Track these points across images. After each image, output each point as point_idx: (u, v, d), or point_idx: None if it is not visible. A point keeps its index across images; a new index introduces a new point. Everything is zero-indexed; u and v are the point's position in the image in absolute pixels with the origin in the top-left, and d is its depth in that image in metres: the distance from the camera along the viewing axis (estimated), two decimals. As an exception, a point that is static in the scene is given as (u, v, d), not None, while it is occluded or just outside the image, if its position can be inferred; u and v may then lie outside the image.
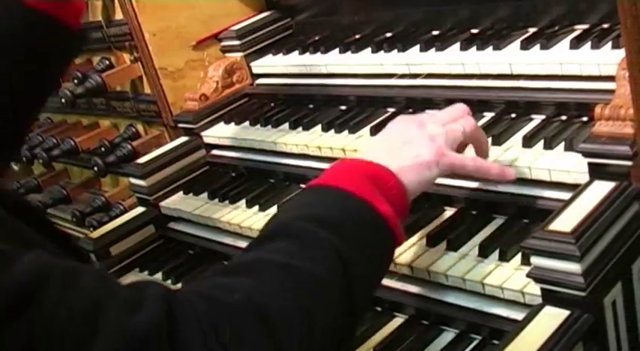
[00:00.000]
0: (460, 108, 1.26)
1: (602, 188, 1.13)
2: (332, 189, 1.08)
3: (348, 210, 1.05)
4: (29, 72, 1.17)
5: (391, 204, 1.07)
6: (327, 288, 0.95)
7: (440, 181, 1.39)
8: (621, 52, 1.31)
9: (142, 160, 1.96)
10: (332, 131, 1.68)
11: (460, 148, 1.23)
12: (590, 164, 1.17)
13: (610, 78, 1.29)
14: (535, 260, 1.07)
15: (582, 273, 1.03)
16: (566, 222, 1.07)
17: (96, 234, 1.90)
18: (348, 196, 1.05)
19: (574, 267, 1.03)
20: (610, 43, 1.37)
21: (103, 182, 2.70)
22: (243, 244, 1.64)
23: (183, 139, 2.00)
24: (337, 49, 1.88)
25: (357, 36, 1.95)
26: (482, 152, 1.27)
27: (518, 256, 1.22)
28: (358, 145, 1.57)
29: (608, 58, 1.33)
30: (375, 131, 1.59)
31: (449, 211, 1.41)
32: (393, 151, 1.15)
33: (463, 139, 1.21)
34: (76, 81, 2.22)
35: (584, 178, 1.19)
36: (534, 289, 1.10)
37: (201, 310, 0.84)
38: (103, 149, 2.31)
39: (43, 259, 0.78)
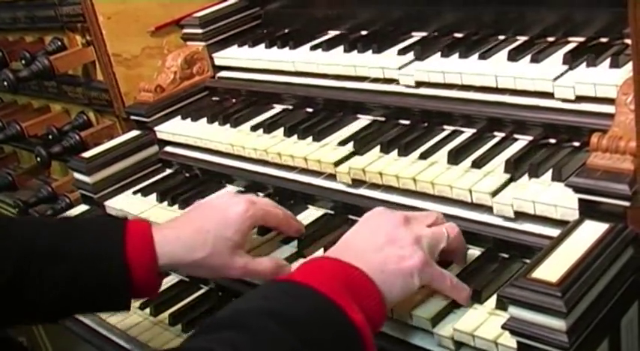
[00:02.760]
0: (437, 214, 1.14)
1: (594, 230, 1.00)
2: (302, 286, 0.95)
3: (316, 312, 0.92)
4: None
5: (365, 313, 0.94)
6: None
7: (408, 203, 1.28)
8: (620, 72, 1.19)
9: (87, 153, 1.79)
10: (295, 136, 1.53)
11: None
12: (581, 200, 1.03)
13: (606, 100, 1.17)
14: (513, 311, 0.93)
15: (567, 330, 0.90)
16: (551, 269, 0.94)
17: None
18: (318, 296, 0.93)
19: (558, 323, 0.90)
20: (608, 61, 1.24)
21: (52, 169, 2.53)
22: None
23: (134, 133, 1.84)
24: (307, 46, 1.73)
25: (330, 32, 1.80)
26: (460, 260, 1.16)
27: (494, 298, 1.07)
28: (322, 154, 1.42)
29: (605, 78, 1.19)
30: (342, 141, 1.44)
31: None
32: (375, 249, 1.03)
33: (446, 247, 1.10)
34: (23, 61, 2.05)
35: (573, 214, 1.05)
36: (510, 341, 0.96)
37: None
38: (50, 137, 2.14)
39: None
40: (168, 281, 1.54)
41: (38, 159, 2.10)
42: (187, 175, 1.76)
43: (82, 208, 1.82)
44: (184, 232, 1.20)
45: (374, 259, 1.01)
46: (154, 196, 1.69)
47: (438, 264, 1.08)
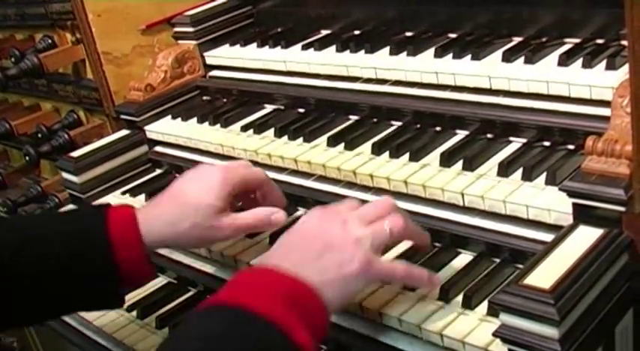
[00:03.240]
0: (386, 203, 1.09)
1: (588, 235, 0.97)
2: (239, 311, 0.90)
3: (256, 341, 0.88)
4: None
5: (310, 329, 0.90)
6: None
7: (399, 205, 1.25)
8: (616, 74, 1.17)
9: (76, 153, 1.76)
10: (285, 137, 1.51)
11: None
12: (575, 205, 1.01)
13: (602, 103, 1.15)
14: (505, 318, 0.91)
15: (559, 338, 0.87)
16: (544, 276, 0.91)
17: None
18: (257, 320, 0.89)
19: (551, 331, 0.87)
20: (604, 63, 1.21)
21: (42, 168, 2.50)
22: (178, 256, 1.47)
23: (124, 132, 1.81)
24: (299, 45, 1.70)
25: (323, 32, 1.77)
26: (422, 247, 1.13)
27: (485, 304, 1.05)
28: (312, 156, 1.40)
29: (601, 80, 1.17)
30: (333, 142, 1.41)
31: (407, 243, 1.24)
32: (313, 256, 0.99)
33: (390, 240, 1.06)
34: (13, 59, 2.02)
35: (567, 219, 1.03)
36: (501, 348, 0.94)
37: None
38: (39, 136, 2.11)
39: None
40: (156, 283, 1.52)
41: (27, 158, 2.08)
42: (177, 175, 1.73)
43: (71, 208, 1.79)
44: (165, 207, 1.20)
45: (313, 267, 0.97)
46: (142, 196, 1.67)
47: None
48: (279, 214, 1.23)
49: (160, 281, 1.52)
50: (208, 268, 1.42)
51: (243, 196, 1.29)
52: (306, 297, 0.94)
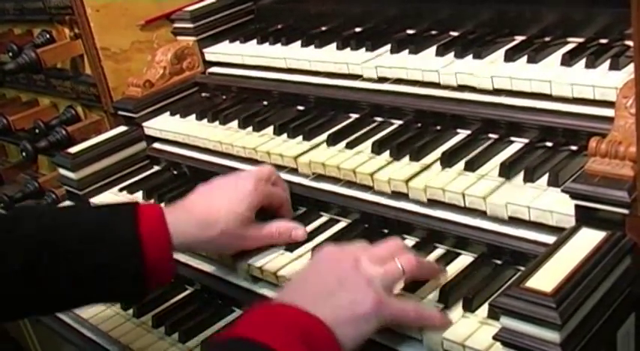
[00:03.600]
0: (397, 243, 1.10)
1: (590, 238, 0.96)
2: (253, 345, 0.90)
3: None
4: None
5: None
6: None
7: (400, 206, 1.24)
8: (620, 75, 1.16)
9: (73, 149, 1.75)
10: (285, 135, 1.49)
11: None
12: (578, 207, 0.99)
13: (605, 103, 1.13)
14: (505, 321, 0.90)
15: (561, 343, 0.86)
16: (546, 279, 0.90)
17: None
18: None
19: (552, 335, 0.86)
20: (607, 63, 1.20)
21: (40, 164, 2.49)
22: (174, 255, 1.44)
23: (122, 128, 1.80)
24: (299, 42, 1.69)
25: (323, 28, 1.76)
26: (437, 278, 1.11)
27: (486, 307, 1.03)
28: (312, 154, 1.39)
29: (604, 80, 1.16)
30: (333, 141, 1.40)
31: (408, 241, 1.23)
32: (327, 295, 0.98)
33: (402, 279, 1.05)
34: (10, 54, 2.00)
35: (570, 221, 1.02)
36: (502, 352, 0.92)
37: None
38: (36, 131, 2.09)
39: None
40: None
41: (23, 154, 2.06)
42: (175, 172, 1.72)
43: (68, 204, 1.78)
44: (196, 211, 1.24)
45: (327, 305, 0.97)
46: (140, 193, 1.65)
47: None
48: (299, 231, 1.30)
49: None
50: (205, 267, 1.40)
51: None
52: (321, 336, 0.94)
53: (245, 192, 1.26)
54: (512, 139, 1.26)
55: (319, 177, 1.37)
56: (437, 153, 1.27)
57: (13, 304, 1.16)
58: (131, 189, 1.69)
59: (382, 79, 1.46)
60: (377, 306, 0.98)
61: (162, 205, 1.55)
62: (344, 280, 1.00)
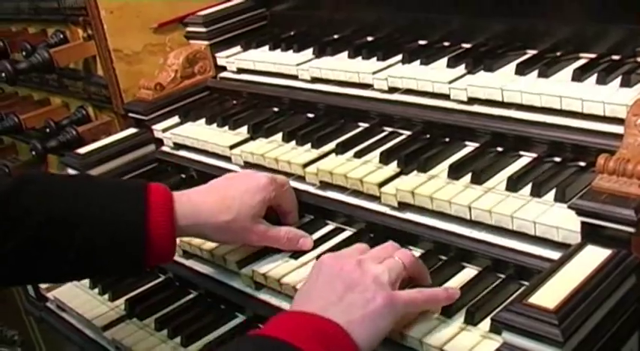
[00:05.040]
0: (392, 245, 1.13)
1: (596, 255, 0.95)
2: (282, 344, 0.92)
3: None
4: None
5: None
6: None
7: (405, 217, 1.24)
8: (631, 92, 1.16)
9: (83, 149, 1.75)
10: (293, 142, 1.49)
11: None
12: (584, 224, 0.99)
13: (615, 120, 1.13)
14: (507, 336, 0.89)
15: (563, 360, 0.85)
16: (549, 295, 0.89)
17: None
18: None
19: (554, 353, 0.85)
20: (619, 79, 1.20)
21: (50, 163, 2.50)
22: (179, 258, 1.45)
23: (131, 130, 1.80)
24: (311, 49, 1.69)
25: (336, 36, 1.76)
26: (425, 283, 1.12)
27: (488, 320, 1.03)
28: (319, 162, 1.39)
29: (615, 97, 1.15)
30: (341, 149, 1.40)
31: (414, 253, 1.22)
32: (337, 299, 1.00)
33: (405, 274, 1.07)
34: (24, 53, 2.01)
35: (576, 238, 1.01)
36: (503, 367, 0.92)
37: None
38: (47, 130, 2.10)
39: None
40: (156, 284, 1.51)
41: (33, 153, 2.07)
42: (183, 176, 1.72)
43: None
44: (210, 197, 1.26)
45: (338, 309, 0.98)
46: (147, 196, 1.65)
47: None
48: (307, 240, 1.30)
49: (161, 282, 1.51)
50: (209, 272, 1.40)
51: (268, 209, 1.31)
52: (337, 337, 0.95)
53: (260, 186, 1.27)
54: (521, 153, 1.26)
55: (326, 185, 1.37)
56: (444, 165, 1.27)
57: (14, 273, 1.19)
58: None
59: (392, 89, 1.45)
60: (388, 300, 0.99)
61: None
62: (351, 283, 1.01)
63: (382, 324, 0.99)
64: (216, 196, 1.26)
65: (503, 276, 1.12)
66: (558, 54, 1.36)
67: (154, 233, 1.17)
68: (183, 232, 1.25)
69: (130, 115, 1.83)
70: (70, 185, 1.25)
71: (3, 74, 1.92)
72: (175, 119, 1.78)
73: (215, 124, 1.68)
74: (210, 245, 1.38)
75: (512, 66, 1.35)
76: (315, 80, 1.61)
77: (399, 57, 1.51)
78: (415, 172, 1.27)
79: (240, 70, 1.82)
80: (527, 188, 1.14)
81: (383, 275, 1.02)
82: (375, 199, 1.28)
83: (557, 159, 1.20)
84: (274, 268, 1.27)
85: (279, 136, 1.53)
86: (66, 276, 1.33)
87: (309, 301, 1.02)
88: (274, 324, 0.97)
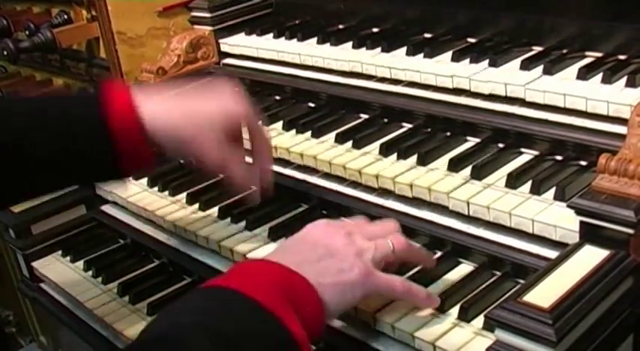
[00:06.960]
0: (391, 224, 1.11)
1: (593, 256, 0.94)
2: (236, 294, 0.90)
3: (252, 325, 0.87)
4: None
5: (304, 324, 0.89)
6: None
7: (403, 210, 1.23)
8: (636, 92, 1.15)
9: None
10: (293, 131, 1.48)
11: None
12: (583, 223, 0.98)
13: (619, 120, 1.12)
14: (500, 334, 0.88)
15: (555, 360, 0.84)
16: (544, 294, 0.88)
17: (18, 208, 1.68)
18: (254, 307, 0.88)
19: (547, 352, 0.84)
20: (624, 79, 1.18)
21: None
22: (174, 243, 1.45)
23: (132, 114, 1.79)
24: (315, 38, 1.67)
25: (341, 26, 1.74)
26: (426, 265, 1.12)
27: (482, 318, 1.02)
28: (319, 152, 1.37)
29: (620, 97, 1.14)
30: (341, 139, 1.39)
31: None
32: (314, 260, 0.99)
33: (392, 258, 1.05)
34: (27, 32, 2.00)
35: (574, 237, 1.00)
36: (495, 365, 0.91)
37: None
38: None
39: None
40: (150, 268, 1.50)
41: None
42: (181, 161, 1.71)
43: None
44: (186, 102, 1.17)
45: (312, 269, 0.97)
46: (144, 180, 1.64)
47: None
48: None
49: (155, 267, 1.51)
50: (205, 258, 1.39)
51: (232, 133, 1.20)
52: (304, 293, 0.94)
53: (237, 97, 1.18)
54: (522, 150, 1.25)
55: (325, 175, 1.36)
56: (444, 159, 1.25)
57: None
58: (137, 176, 1.68)
59: (395, 81, 1.44)
60: (364, 276, 0.99)
61: (167, 192, 1.56)
62: (333, 250, 1.00)
63: (350, 296, 0.98)
64: (191, 103, 1.17)
65: (499, 273, 1.11)
66: (564, 51, 1.34)
67: (117, 126, 1.08)
68: (157, 138, 1.12)
69: (131, 98, 1.81)
70: (27, 102, 1.21)
71: (5, 52, 1.91)
72: (176, 104, 1.77)
73: (216, 111, 1.67)
74: (205, 231, 1.37)
75: (517, 62, 1.33)
76: (317, 69, 1.60)
77: (404, 49, 1.49)
78: (415, 164, 1.26)
79: (243, 57, 1.80)
80: (527, 186, 1.13)
81: (367, 252, 1.01)
82: (374, 190, 1.27)
83: (559, 157, 1.19)
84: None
85: (280, 124, 1.52)
86: (36, 187, 1.20)
87: (283, 254, 1.01)
88: (243, 274, 0.95)
